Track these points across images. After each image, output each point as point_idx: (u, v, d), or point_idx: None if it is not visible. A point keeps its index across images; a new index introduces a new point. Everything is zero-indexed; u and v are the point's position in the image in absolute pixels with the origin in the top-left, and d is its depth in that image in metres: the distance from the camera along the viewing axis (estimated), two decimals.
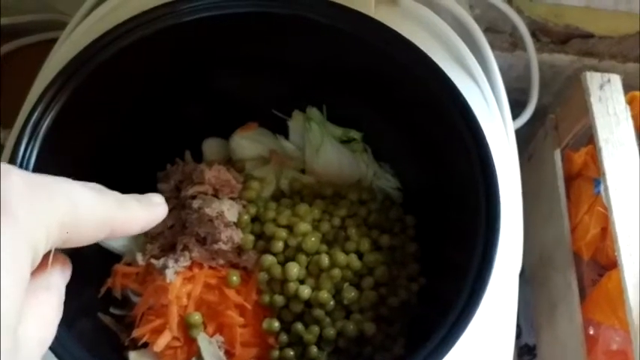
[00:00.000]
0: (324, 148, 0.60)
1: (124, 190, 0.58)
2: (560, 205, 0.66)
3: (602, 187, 0.62)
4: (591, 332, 0.59)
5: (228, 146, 0.63)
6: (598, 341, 0.59)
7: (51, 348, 0.43)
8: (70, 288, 0.53)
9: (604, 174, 0.59)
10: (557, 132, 0.71)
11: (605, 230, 0.62)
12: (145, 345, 0.54)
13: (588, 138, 0.69)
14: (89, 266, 0.57)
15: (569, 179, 0.69)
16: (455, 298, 0.43)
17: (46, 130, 0.48)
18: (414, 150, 0.59)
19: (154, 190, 0.59)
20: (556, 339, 0.63)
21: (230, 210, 0.55)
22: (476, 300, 0.43)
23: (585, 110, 0.64)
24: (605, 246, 0.63)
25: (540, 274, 0.69)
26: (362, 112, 0.61)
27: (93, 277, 0.57)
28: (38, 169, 0.47)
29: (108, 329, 0.56)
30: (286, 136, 0.63)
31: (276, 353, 0.53)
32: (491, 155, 0.47)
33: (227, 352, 0.53)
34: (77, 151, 0.53)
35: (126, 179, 0.58)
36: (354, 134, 0.62)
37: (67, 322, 0.50)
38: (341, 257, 0.53)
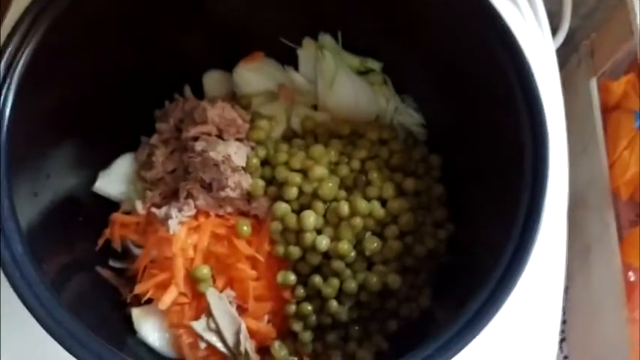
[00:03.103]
0: (338, 80, 0.54)
1: (120, 132, 0.53)
2: (597, 139, 0.60)
3: None
4: (632, 279, 0.55)
5: (231, 80, 0.56)
6: (637, 288, 0.55)
7: (45, 308, 0.38)
8: (63, 240, 0.49)
9: None
10: (593, 59, 0.64)
11: None
12: (150, 301, 0.49)
13: (627, 65, 0.62)
14: (84, 215, 0.52)
15: (605, 111, 0.62)
16: (502, 244, 0.38)
17: (25, 64, 0.42)
18: (441, 80, 0.52)
19: (152, 130, 0.54)
20: (590, 284, 0.59)
21: (237, 153, 0.49)
22: (528, 244, 0.38)
23: (628, 34, 0.57)
24: None
25: (572, 215, 0.64)
26: (382, 38, 0.54)
27: (89, 227, 0.52)
28: (17, 115, 0.41)
29: (107, 284, 0.51)
30: (296, 67, 0.57)
31: (292, 308, 0.48)
32: (534, 79, 0.41)
33: (239, 307, 0.49)
34: (64, 87, 0.47)
35: (121, 119, 0.52)
36: (373, 64, 0.55)
37: (61, 277, 0.46)
38: (362, 205, 0.47)
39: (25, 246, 0.39)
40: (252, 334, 0.48)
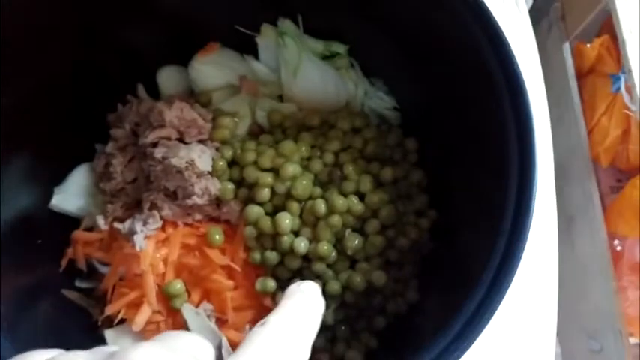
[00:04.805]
0: (302, 67, 0.51)
1: (73, 141, 0.49)
2: (574, 106, 0.58)
3: (622, 84, 0.54)
4: (618, 248, 0.54)
5: (188, 75, 0.53)
6: (623, 256, 0.54)
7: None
8: (22, 266, 0.45)
9: (629, 70, 0.51)
10: (565, 22, 0.61)
11: (627, 133, 0.55)
12: (123, 320, 0.46)
13: (599, 27, 0.60)
14: (43, 236, 0.48)
15: (580, 77, 0.60)
16: (493, 226, 0.36)
17: None
18: (410, 58, 0.49)
19: (107, 137, 0.50)
20: (575, 256, 0.57)
21: (201, 157, 0.46)
22: (523, 227, 0.35)
23: None
24: (626, 149, 0.56)
25: None
26: (344, 19, 0.51)
27: (50, 248, 0.48)
28: None
29: (76, 306, 0.48)
30: (256, 56, 0.53)
31: None
32: (509, 46, 0.38)
33: (218, 320, 0.46)
34: (3, 97, 0.43)
35: (72, 126, 0.48)
36: (338, 47, 0.52)
37: (25, 306, 0.42)
38: (340, 201, 0.45)
39: None
40: (234, 346, 0.45)
